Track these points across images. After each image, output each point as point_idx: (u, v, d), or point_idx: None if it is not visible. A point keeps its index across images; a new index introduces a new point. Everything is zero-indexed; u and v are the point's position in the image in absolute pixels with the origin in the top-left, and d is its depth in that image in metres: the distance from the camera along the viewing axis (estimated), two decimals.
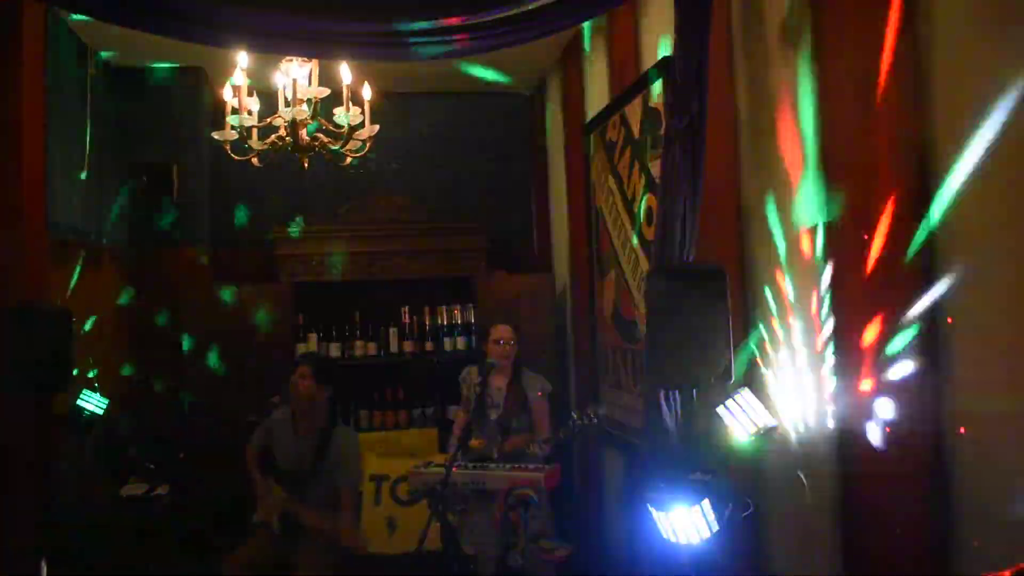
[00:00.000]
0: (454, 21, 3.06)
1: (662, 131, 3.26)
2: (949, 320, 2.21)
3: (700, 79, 2.89)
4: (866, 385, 2.55)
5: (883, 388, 2.48)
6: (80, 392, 4.39)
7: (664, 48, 3.84)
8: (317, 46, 3.13)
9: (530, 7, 3.08)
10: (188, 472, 5.03)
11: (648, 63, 4.12)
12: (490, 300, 5.80)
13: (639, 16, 4.29)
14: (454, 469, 3.66)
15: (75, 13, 4.46)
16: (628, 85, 4.42)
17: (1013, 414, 2.00)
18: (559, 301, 6.05)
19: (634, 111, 4.30)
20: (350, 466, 4.46)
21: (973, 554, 2.15)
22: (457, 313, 6.03)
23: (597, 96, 5.08)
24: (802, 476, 2.87)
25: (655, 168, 3.92)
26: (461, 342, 5.98)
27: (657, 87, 3.95)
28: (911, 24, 2.31)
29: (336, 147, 3.51)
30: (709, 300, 2.70)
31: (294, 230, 5.85)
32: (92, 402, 4.44)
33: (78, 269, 4.97)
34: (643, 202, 4.18)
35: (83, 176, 5.08)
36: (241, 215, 6.27)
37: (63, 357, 3.73)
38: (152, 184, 5.82)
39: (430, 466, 3.97)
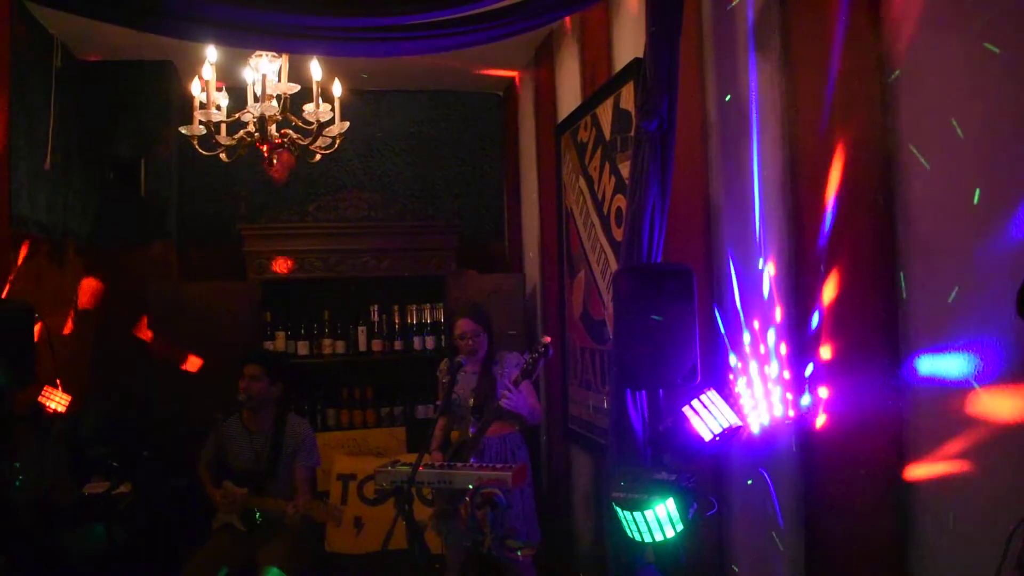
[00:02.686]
0: (427, 17, 3.07)
1: (632, 133, 3.27)
2: (907, 321, 2.24)
3: (670, 82, 2.92)
4: (828, 385, 2.58)
5: (844, 388, 2.52)
6: (42, 389, 4.33)
7: (636, 50, 3.86)
8: (288, 41, 3.11)
9: (503, 4, 3.09)
10: (152, 470, 4.98)
11: (620, 65, 4.14)
12: (460, 299, 5.79)
13: (611, 18, 4.32)
14: (421, 468, 3.65)
15: (43, 5, 4.40)
16: (600, 86, 4.44)
17: (967, 414, 2.03)
18: (529, 301, 6.06)
19: (605, 112, 4.32)
20: (308, 451, 4.45)
21: (931, 551, 2.18)
22: (427, 312, 6.02)
23: (569, 97, 5.10)
24: (766, 475, 2.89)
25: (625, 169, 3.94)
26: (431, 341, 5.97)
27: (628, 89, 3.97)
28: (877, 32, 2.34)
29: (305, 143, 3.50)
30: (676, 300, 2.72)
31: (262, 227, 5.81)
32: (55, 399, 4.38)
33: (42, 264, 4.91)
34: (613, 203, 4.20)
35: (48, 170, 5.02)
36: (209, 211, 6.23)
37: (24, 353, 3.68)
38: (119, 179, 5.76)
39: (397, 465, 3.95)
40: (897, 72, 2.27)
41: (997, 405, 1.95)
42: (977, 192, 1.99)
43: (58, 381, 4.37)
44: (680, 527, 2.68)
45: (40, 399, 4.30)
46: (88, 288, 5.64)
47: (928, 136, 2.17)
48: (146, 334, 5.43)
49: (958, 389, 2.07)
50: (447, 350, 4.55)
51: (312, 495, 4.40)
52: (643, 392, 2.94)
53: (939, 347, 2.15)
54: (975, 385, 2.01)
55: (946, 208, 2.12)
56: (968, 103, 2.03)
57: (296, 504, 4.19)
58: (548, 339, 4.06)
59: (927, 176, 2.17)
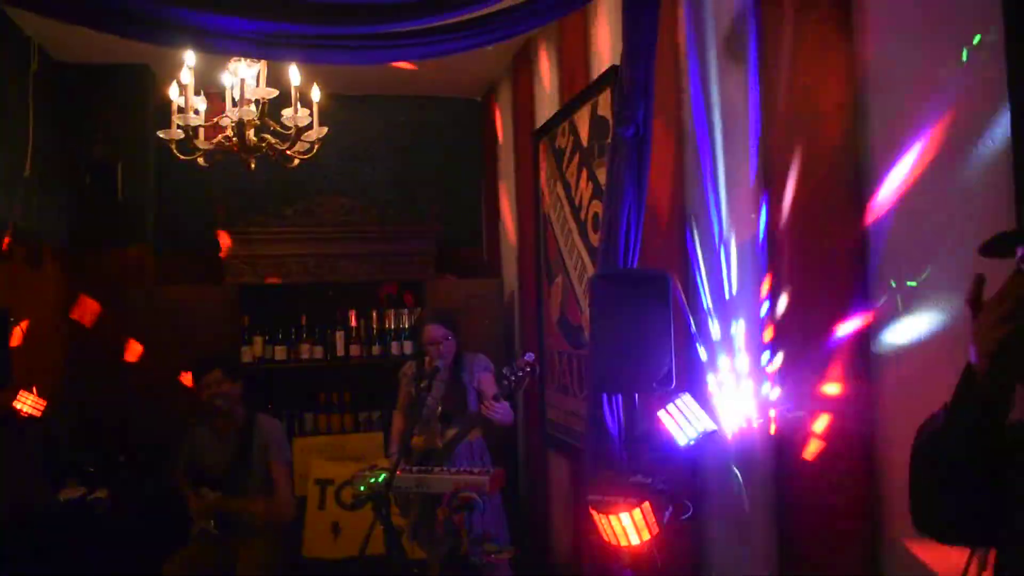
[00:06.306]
0: (407, 25, 3.08)
1: (609, 139, 3.31)
2: (882, 328, 2.28)
3: (646, 90, 2.95)
4: (802, 390, 2.62)
5: (819, 393, 2.55)
6: (17, 393, 4.31)
7: (613, 57, 3.90)
8: (266, 48, 3.12)
9: (482, 12, 3.12)
10: (128, 475, 4.96)
11: (597, 72, 4.18)
12: (438, 304, 5.79)
13: (588, 25, 4.35)
14: (398, 473, 3.65)
15: (22, 8, 4.39)
16: (577, 93, 4.47)
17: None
18: (507, 306, 6.08)
19: (583, 119, 4.35)
20: (278, 447, 4.45)
21: (901, 552, 2.21)
22: (405, 317, 6.02)
23: (547, 103, 5.13)
24: (740, 478, 2.92)
25: (602, 175, 3.97)
26: (409, 346, 5.97)
27: (605, 96, 4.01)
28: (848, 41, 2.38)
29: (283, 148, 3.50)
30: (652, 305, 2.75)
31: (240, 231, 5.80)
32: (29, 403, 4.36)
33: (18, 267, 4.88)
34: (590, 208, 4.23)
35: (25, 173, 4.99)
36: (187, 215, 6.20)
37: (0, 356, 3.66)
38: (96, 183, 5.73)
39: (375, 470, 3.96)
40: (867, 80, 2.31)
41: None
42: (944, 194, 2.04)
43: (34, 386, 4.35)
44: (656, 531, 2.71)
45: (15, 403, 4.28)
46: (87, 306, 5.62)
47: (897, 142, 2.21)
48: (132, 353, 5.40)
49: (929, 391, 2.11)
50: (420, 354, 4.51)
51: (289, 490, 4.41)
52: (619, 396, 2.97)
53: (909, 350, 2.18)
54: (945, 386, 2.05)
55: (914, 212, 2.16)
56: (936, 110, 2.07)
57: (255, 507, 4.20)
58: (533, 356, 3.96)
59: (896, 182, 2.21)
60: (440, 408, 4.24)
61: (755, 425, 2.85)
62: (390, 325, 6.02)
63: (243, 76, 3.37)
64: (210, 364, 4.47)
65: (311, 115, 3.55)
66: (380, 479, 3.65)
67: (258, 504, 4.24)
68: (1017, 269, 1.29)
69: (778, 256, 2.74)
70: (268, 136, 3.49)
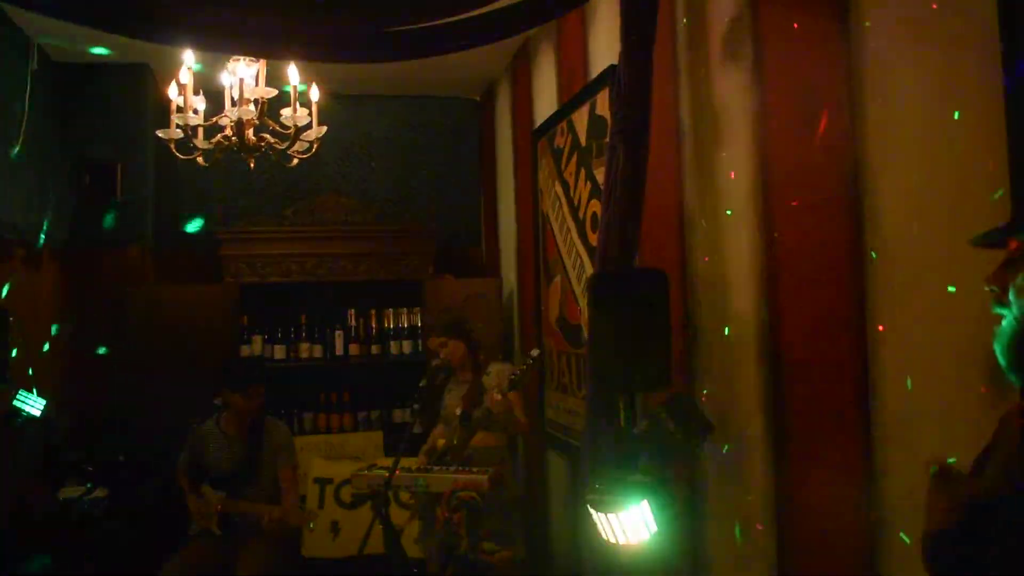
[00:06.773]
0: (405, 25, 3.08)
1: (607, 139, 3.31)
2: (880, 328, 2.28)
3: (644, 89, 2.95)
4: (796, 383, 2.62)
5: (816, 389, 2.56)
6: (17, 392, 4.31)
7: (611, 56, 3.90)
8: (264, 46, 3.12)
9: (480, 12, 3.12)
10: (128, 475, 4.95)
11: (596, 71, 4.18)
12: (437, 304, 5.79)
13: (587, 25, 4.35)
14: (396, 472, 3.66)
15: (21, 7, 4.39)
16: (576, 92, 4.47)
17: (937, 414, 2.07)
18: (506, 306, 6.08)
19: (581, 118, 4.35)
20: (287, 452, 4.47)
21: (898, 552, 2.22)
22: (404, 316, 6.03)
23: (546, 102, 5.13)
24: (739, 477, 2.93)
25: (601, 175, 3.97)
26: (408, 346, 5.98)
27: (604, 95, 4.01)
28: (847, 41, 2.39)
29: (283, 148, 3.50)
30: (650, 304, 2.75)
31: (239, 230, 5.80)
32: (29, 403, 4.36)
33: (17, 267, 4.88)
34: (588, 208, 4.23)
35: (23, 173, 4.98)
36: (186, 215, 6.20)
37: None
38: (95, 182, 5.73)
39: (374, 469, 3.96)
40: (866, 79, 2.31)
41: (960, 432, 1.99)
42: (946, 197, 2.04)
43: (33, 385, 4.35)
44: (655, 529, 2.70)
45: (15, 403, 4.28)
46: None
47: (896, 140, 2.21)
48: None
49: (927, 395, 2.11)
50: (423, 354, 4.56)
51: (297, 496, 4.42)
52: (617, 395, 2.97)
53: (905, 346, 2.19)
54: (942, 388, 2.05)
55: (913, 210, 2.16)
56: (937, 111, 2.07)
57: (272, 513, 4.20)
58: (539, 351, 4.01)
59: (894, 182, 2.22)
60: (460, 409, 4.26)
61: (754, 424, 2.86)
62: (389, 325, 6.02)
63: (242, 75, 3.37)
64: (258, 377, 4.50)
65: (310, 114, 3.56)
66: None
67: (271, 510, 4.23)
68: (1007, 259, 1.30)
69: (777, 255, 2.74)
70: (267, 135, 3.49)
